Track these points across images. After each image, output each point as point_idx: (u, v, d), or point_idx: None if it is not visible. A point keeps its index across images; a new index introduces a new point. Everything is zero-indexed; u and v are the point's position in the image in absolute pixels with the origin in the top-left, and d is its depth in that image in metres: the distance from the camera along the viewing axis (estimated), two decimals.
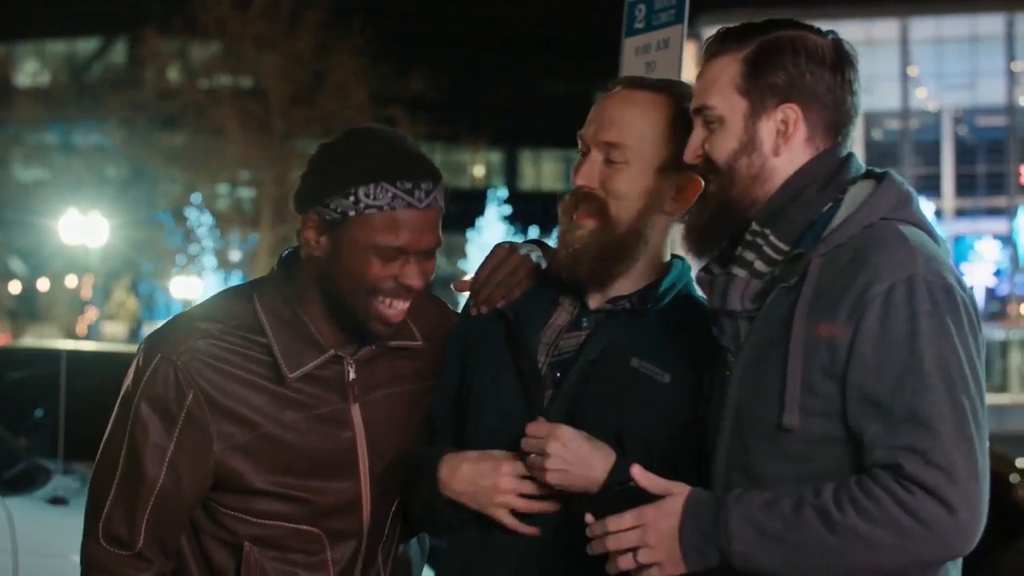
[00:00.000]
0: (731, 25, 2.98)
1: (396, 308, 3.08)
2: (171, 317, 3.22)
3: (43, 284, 52.32)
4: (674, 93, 3.21)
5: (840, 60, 2.91)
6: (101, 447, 3.13)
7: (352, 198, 2.99)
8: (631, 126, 3.15)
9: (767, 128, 2.89)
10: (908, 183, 2.92)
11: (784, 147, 2.89)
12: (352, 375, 3.14)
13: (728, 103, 2.90)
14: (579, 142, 3.22)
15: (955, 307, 2.71)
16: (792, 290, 2.80)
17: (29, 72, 56.70)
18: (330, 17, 38.49)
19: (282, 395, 3.08)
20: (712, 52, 2.96)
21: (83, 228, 37.06)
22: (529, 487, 3.07)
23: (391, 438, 3.20)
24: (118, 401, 3.11)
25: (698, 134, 2.95)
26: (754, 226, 2.89)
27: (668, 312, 3.19)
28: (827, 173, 2.89)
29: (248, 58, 39.40)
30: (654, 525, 2.73)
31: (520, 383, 3.17)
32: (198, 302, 3.28)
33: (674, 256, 3.30)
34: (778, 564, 2.68)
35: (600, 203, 3.14)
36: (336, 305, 3.10)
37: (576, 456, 3.00)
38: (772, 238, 2.86)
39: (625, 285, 3.21)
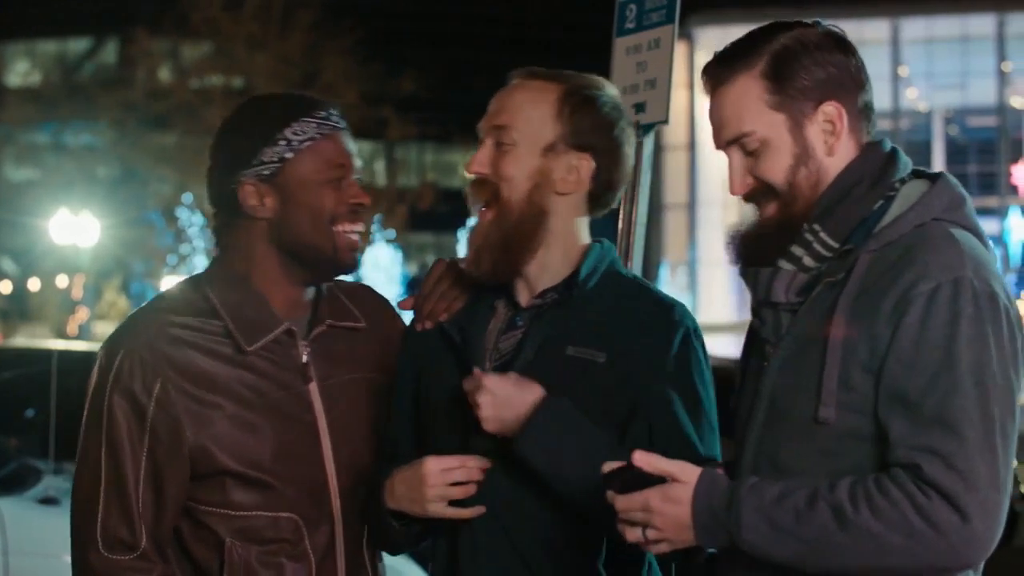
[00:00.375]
0: (718, 51, 2.94)
1: (355, 232, 3.16)
2: (127, 317, 3.23)
3: (34, 284, 52.20)
4: (565, 81, 3.26)
5: (840, 41, 2.90)
6: (79, 456, 3.12)
7: (283, 142, 3.08)
8: (519, 110, 3.22)
9: (814, 132, 2.85)
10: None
11: (836, 143, 2.86)
12: (306, 357, 3.16)
13: (767, 123, 2.85)
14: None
15: (997, 316, 2.68)
16: (838, 285, 2.78)
17: (20, 72, 56.53)
18: (321, 17, 38.46)
19: (244, 377, 3.10)
20: (719, 81, 2.90)
21: (74, 228, 36.97)
22: (459, 474, 3.10)
23: (354, 424, 3.22)
24: (87, 407, 3.11)
25: (739, 164, 2.90)
26: (806, 224, 2.86)
27: (597, 294, 3.23)
28: (876, 170, 2.86)
29: (239, 58, 39.38)
30: (660, 511, 2.72)
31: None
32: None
33: (594, 240, 3.33)
34: (787, 556, 2.67)
35: (492, 187, 3.20)
36: (297, 255, 3.13)
37: (503, 400, 3.05)
38: (823, 235, 2.83)
39: (548, 276, 3.25)
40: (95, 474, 3.06)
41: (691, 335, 3.24)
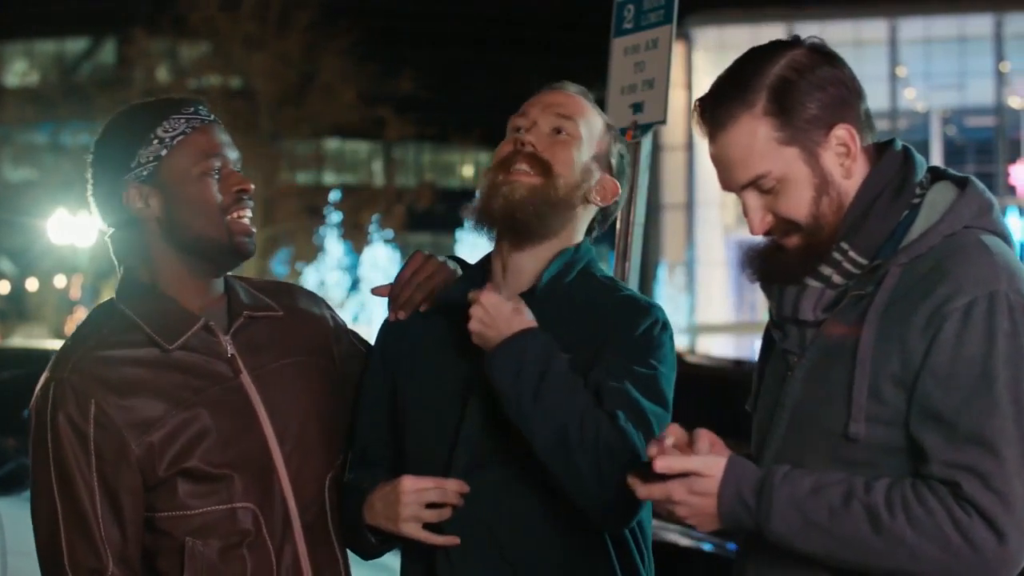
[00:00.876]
0: (707, 92, 2.87)
1: (246, 216, 3.19)
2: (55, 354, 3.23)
3: (32, 284, 52.16)
4: (605, 116, 3.42)
5: (827, 55, 2.84)
6: (32, 493, 3.13)
7: (156, 140, 3.13)
8: (583, 112, 3.34)
9: (829, 158, 2.79)
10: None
11: (853, 165, 2.81)
12: (231, 350, 3.19)
13: (781, 160, 2.78)
14: (512, 125, 3.34)
15: None
16: (866, 298, 2.75)
17: (18, 72, 56.50)
18: (319, 17, 38.44)
19: (175, 378, 3.11)
20: (719, 125, 2.81)
21: (72, 228, 36.93)
22: (434, 495, 3.12)
23: (293, 408, 3.23)
24: (31, 446, 3.12)
25: (756, 204, 2.82)
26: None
27: (567, 297, 3.26)
28: (895, 177, 2.83)
29: (237, 58, 39.36)
30: (684, 501, 2.71)
31: (458, 387, 3.24)
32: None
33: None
34: (815, 550, 2.68)
35: (545, 164, 3.25)
36: (193, 249, 3.16)
37: (492, 318, 3.09)
38: (851, 253, 2.79)
39: (525, 277, 3.29)
40: (51, 508, 3.07)
41: (659, 326, 3.24)
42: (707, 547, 7.26)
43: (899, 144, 2.89)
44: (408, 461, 3.29)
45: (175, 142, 3.13)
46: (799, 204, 2.80)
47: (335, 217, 43.35)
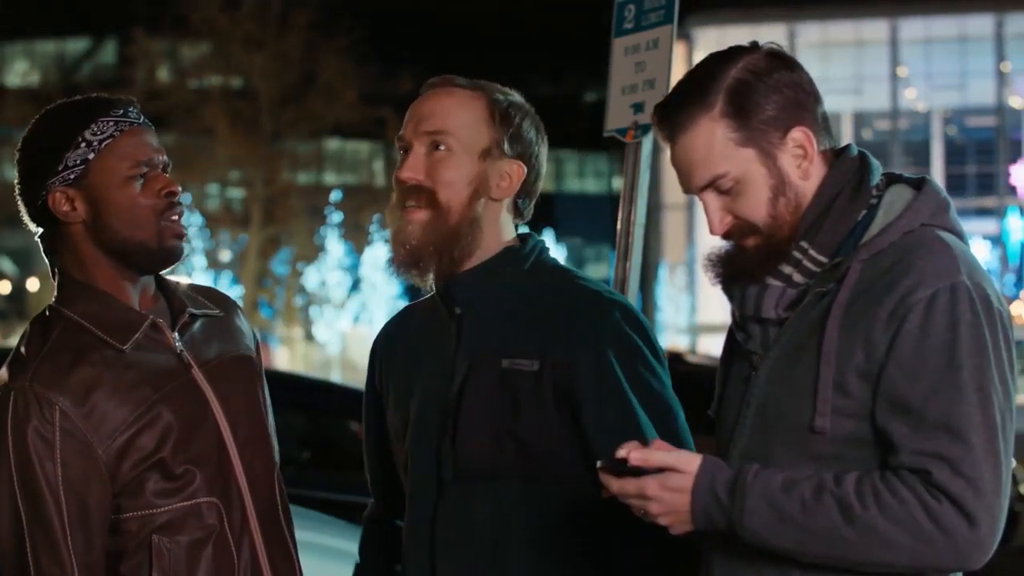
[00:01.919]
0: (660, 102, 2.92)
1: (179, 219, 3.16)
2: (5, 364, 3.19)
3: (32, 284, 52.21)
4: (486, 90, 3.26)
5: (784, 59, 2.88)
6: None
7: (84, 144, 3.08)
8: (450, 115, 3.20)
9: (786, 160, 2.84)
10: None
11: (810, 167, 2.85)
12: (180, 347, 3.17)
13: (739, 161, 2.82)
14: (398, 145, 3.25)
15: (993, 319, 2.71)
16: (827, 295, 2.79)
17: (18, 72, 56.56)
18: (319, 17, 38.47)
19: (132, 377, 3.08)
20: (677, 128, 2.86)
21: None
22: None
23: (242, 401, 3.23)
24: None
25: (715, 205, 2.87)
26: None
27: (520, 292, 3.20)
28: (852, 178, 2.87)
29: (237, 58, 39.42)
30: (657, 497, 2.72)
31: (440, 400, 3.22)
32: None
33: (522, 235, 3.31)
34: (788, 546, 2.70)
35: (429, 193, 3.16)
36: (119, 252, 3.13)
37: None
38: (812, 252, 2.83)
39: (470, 279, 3.22)
40: (16, 520, 3.02)
41: (621, 321, 3.14)
42: None
43: (855, 149, 2.93)
44: (405, 478, 3.30)
45: (103, 146, 3.08)
46: (756, 205, 2.84)
47: (336, 217, 43.39)
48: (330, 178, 54.56)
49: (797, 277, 2.85)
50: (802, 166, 2.85)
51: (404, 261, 3.20)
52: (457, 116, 3.20)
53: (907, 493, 2.62)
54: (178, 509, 3.09)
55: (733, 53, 2.89)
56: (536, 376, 3.08)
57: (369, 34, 39.45)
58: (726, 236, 2.91)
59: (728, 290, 2.97)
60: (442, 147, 3.17)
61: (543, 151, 3.28)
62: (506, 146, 3.20)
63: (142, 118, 3.16)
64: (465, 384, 3.14)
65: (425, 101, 3.25)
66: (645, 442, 2.79)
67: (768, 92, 2.82)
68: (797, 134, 2.84)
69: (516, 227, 3.31)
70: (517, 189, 3.23)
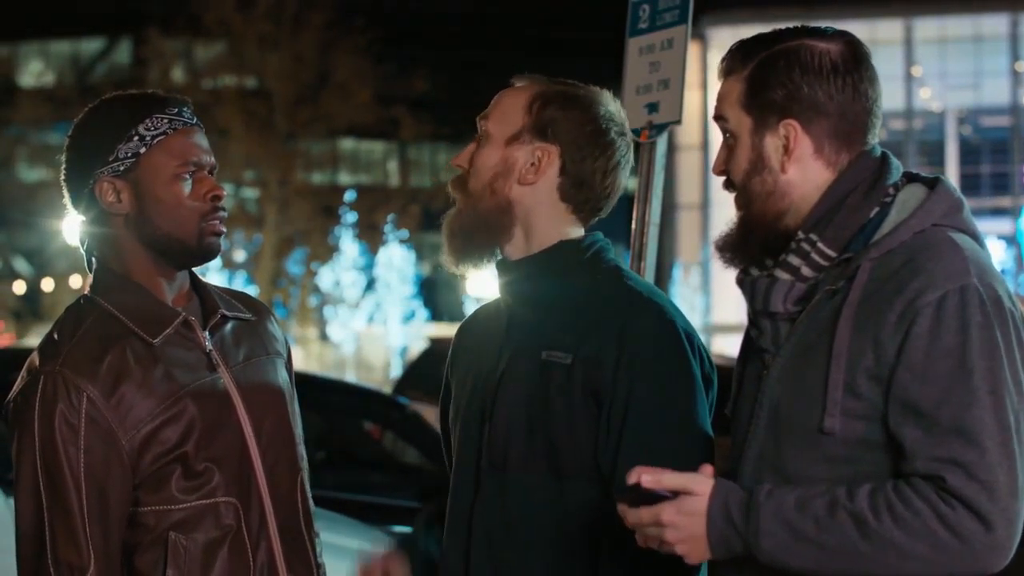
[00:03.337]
0: (744, 39, 2.98)
1: (216, 219, 3.19)
2: (38, 346, 3.22)
3: (47, 284, 52.28)
4: (551, 81, 3.30)
5: (844, 64, 2.88)
6: (17, 487, 3.09)
7: (137, 137, 3.13)
8: (499, 104, 3.27)
9: (772, 145, 2.89)
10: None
11: (789, 163, 2.88)
12: (209, 346, 3.20)
13: (737, 120, 2.93)
14: None
15: (1004, 320, 2.70)
16: (838, 293, 2.79)
17: (33, 72, 56.62)
18: (334, 17, 38.49)
19: (160, 371, 3.11)
20: (725, 70, 2.98)
21: None
22: None
23: (269, 404, 3.26)
24: (16, 437, 3.08)
25: (721, 150, 2.99)
26: (800, 234, 2.88)
27: (565, 290, 3.21)
28: (869, 177, 2.87)
29: (252, 58, 39.43)
30: (673, 523, 2.72)
31: (482, 388, 3.27)
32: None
33: (588, 233, 3.29)
34: (806, 565, 2.69)
35: (462, 182, 3.26)
36: (159, 247, 3.17)
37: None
38: (820, 245, 2.84)
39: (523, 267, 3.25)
40: (37, 502, 3.04)
41: (654, 323, 3.12)
42: None
43: (878, 150, 2.94)
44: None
45: (155, 141, 3.13)
46: (738, 167, 2.94)
47: (350, 217, 43.38)
48: (344, 178, 54.54)
49: (805, 270, 2.86)
50: (782, 159, 2.89)
51: (449, 248, 3.27)
52: (501, 105, 3.27)
53: (920, 503, 2.61)
54: (196, 507, 3.10)
55: (813, 32, 2.93)
56: (568, 369, 3.10)
57: (384, 34, 39.45)
58: (725, 186, 3.00)
59: (741, 283, 2.98)
60: (481, 135, 3.25)
61: (601, 143, 3.23)
62: (537, 130, 3.21)
63: (195, 119, 3.21)
64: (505, 373, 3.18)
65: (494, 99, 3.31)
66: (654, 462, 2.77)
67: (786, 81, 2.87)
68: (788, 127, 2.87)
69: (585, 226, 3.29)
70: (555, 173, 3.22)
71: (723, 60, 2.98)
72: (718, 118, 2.98)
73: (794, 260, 2.87)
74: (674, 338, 3.12)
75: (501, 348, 3.22)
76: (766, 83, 2.88)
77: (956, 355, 2.65)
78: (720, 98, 2.97)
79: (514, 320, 3.23)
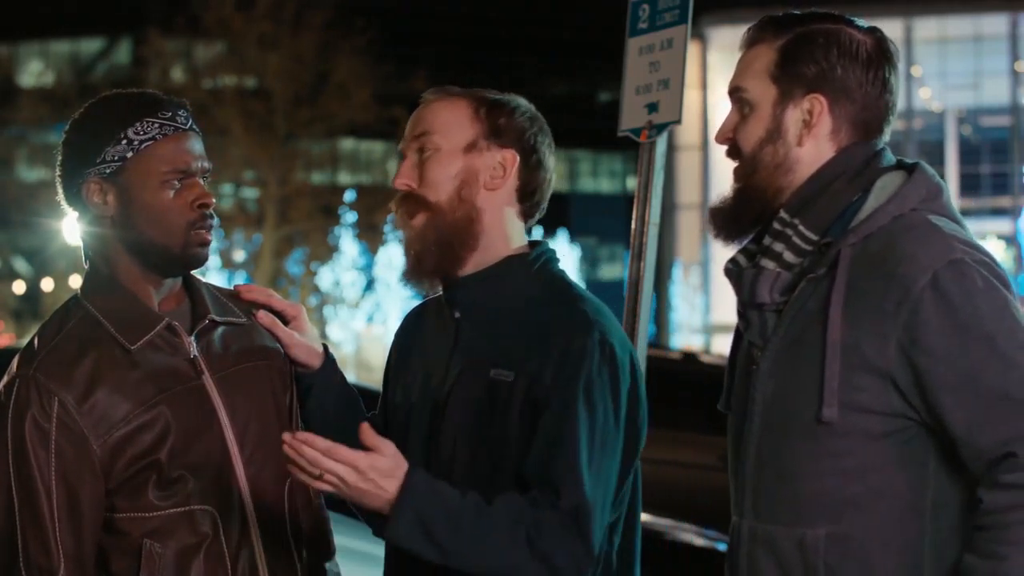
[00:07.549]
0: (775, 14, 3.01)
1: (203, 228, 3.15)
2: (22, 348, 3.22)
3: (47, 284, 52.33)
4: (475, 93, 3.27)
5: (878, 58, 2.93)
6: None
7: (125, 141, 3.09)
8: (436, 117, 3.22)
9: (793, 117, 2.92)
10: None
11: (808, 137, 2.91)
12: (195, 351, 3.17)
13: (760, 88, 2.95)
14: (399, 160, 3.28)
15: (1003, 279, 2.71)
16: (821, 280, 2.80)
17: (33, 72, 56.65)
18: (334, 17, 38.51)
19: (138, 377, 3.09)
20: (751, 40, 3.00)
21: None
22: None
23: (254, 412, 3.21)
24: None
25: (731, 118, 3.01)
26: (783, 215, 2.89)
27: (512, 304, 3.17)
28: (859, 164, 2.90)
29: (251, 58, 39.45)
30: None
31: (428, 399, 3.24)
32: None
33: (532, 241, 3.27)
34: None
35: (418, 198, 3.20)
36: (142, 252, 3.14)
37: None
38: (801, 228, 2.87)
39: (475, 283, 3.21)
40: (9, 506, 3.04)
41: (594, 345, 3.05)
42: (721, 546, 7.25)
43: (879, 144, 2.96)
44: None
45: (143, 146, 3.09)
46: (750, 136, 2.96)
47: (350, 217, 43.42)
48: (344, 178, 54.59)
49: (788, 256, 2.88)
50: (801, 132, 2.91)
51: (412, 268, 3.23)
52: (441, 117, 3.22)
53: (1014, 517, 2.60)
54: (171, 515, 3.08)
55: (847, 20, 2.97)
56: (510, 387, 3.06)
57: (383, 34, 39.47)
58: (727, 154, 3.03)
59: (729, 273, 3.00)
60: (428, 149, 3.20)
61: (544, 145, 3.25)
62: (494, 136, 3.19)
63: (190, 123, 3.17)
64: (453, 390, 3.14)
65: (417, 112, 3.28)
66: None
67: (821, 58, 2.91)
68: (814, 101, 2.90)
69: (528, 232, 3.29)
70: (514, 177, 3.21)
71: (749, 30, 3.01)
72: (735, 89, 2.99)
73: (777, 246, 2.89)
74: (617, 357, 3.06)
75: (449, 362, 3.18)
76: (801, 56, 2.91)
77: (972, 326, 2.65)
78: (742, 67, 2.99)
79: (463, 334, 3.19)
